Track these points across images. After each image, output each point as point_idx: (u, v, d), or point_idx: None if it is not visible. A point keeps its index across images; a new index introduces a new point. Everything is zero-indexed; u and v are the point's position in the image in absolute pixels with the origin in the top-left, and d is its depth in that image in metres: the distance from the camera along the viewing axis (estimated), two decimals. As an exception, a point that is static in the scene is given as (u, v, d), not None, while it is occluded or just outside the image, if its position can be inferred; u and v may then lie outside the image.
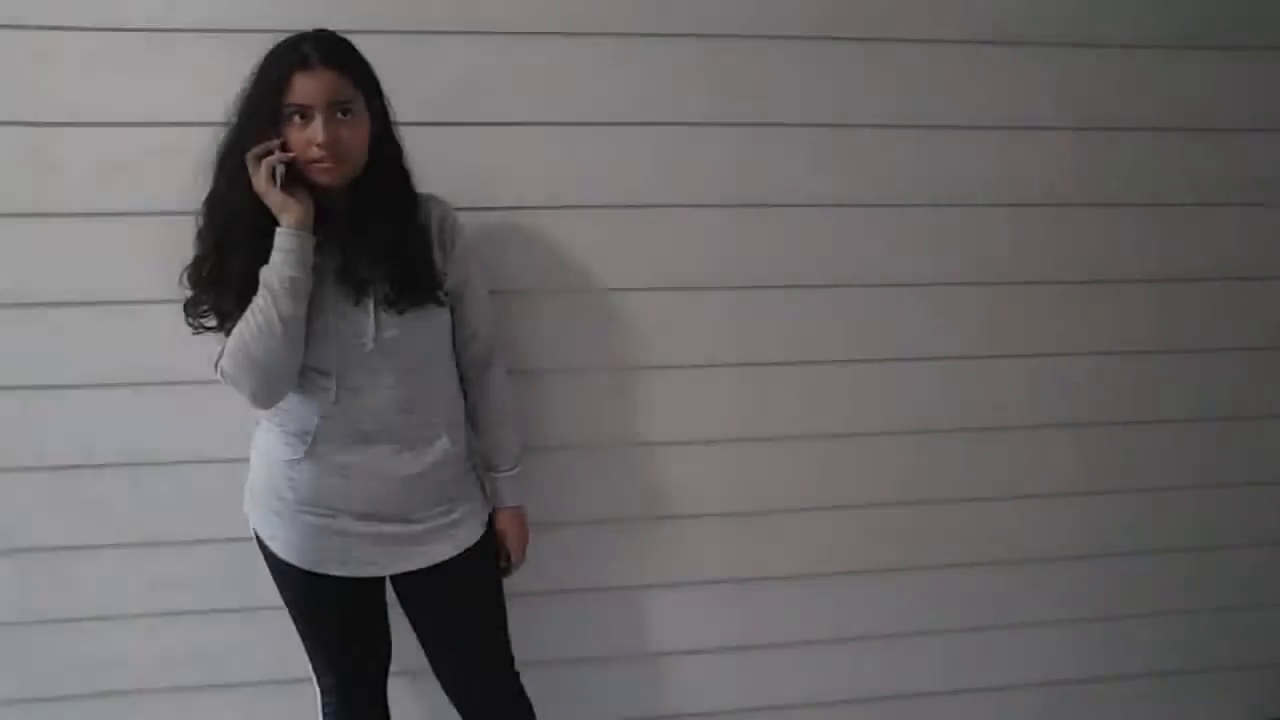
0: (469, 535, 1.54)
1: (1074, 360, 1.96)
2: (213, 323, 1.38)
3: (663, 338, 1.83)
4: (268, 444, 1.47)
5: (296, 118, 1.29)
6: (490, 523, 1.59)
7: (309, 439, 1.41)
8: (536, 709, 1.62)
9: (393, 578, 1.53)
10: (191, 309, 1.38)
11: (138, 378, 1.69)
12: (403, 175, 1.44)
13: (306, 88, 1.28)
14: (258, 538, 1.52)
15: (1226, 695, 2.18)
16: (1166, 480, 2.04)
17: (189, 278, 1.37)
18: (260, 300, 1.31)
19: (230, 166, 1.32)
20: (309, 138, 1.29)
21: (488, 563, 1.58)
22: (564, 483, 1.85)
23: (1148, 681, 2.14)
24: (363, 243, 1.37)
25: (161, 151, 1.59)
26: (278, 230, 1.31)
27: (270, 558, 1.51)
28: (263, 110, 1.29)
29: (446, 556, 1.51)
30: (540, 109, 1.72)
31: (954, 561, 2.01)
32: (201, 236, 1.37)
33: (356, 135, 1.33)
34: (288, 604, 1.54)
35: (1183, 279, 1.96)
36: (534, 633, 1.86)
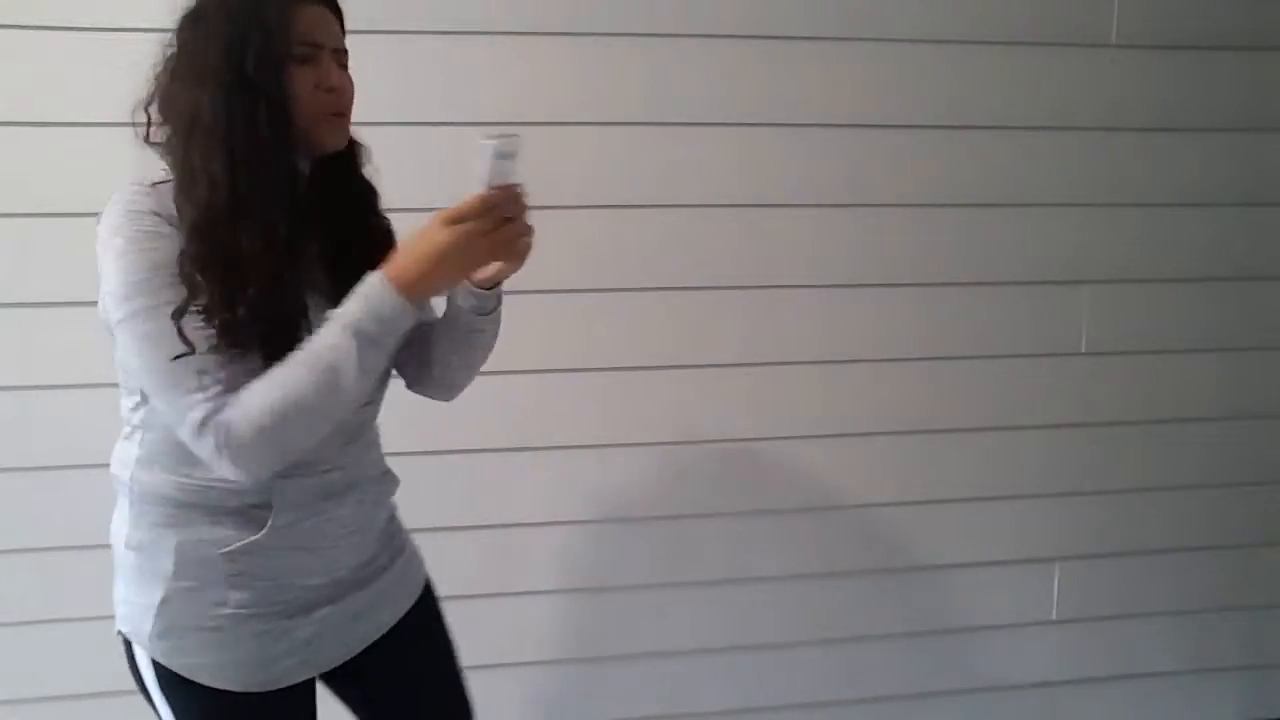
0: (419, 571, 1.28)
1: (1075, 360, 1.97)
2: (209, 331, 0.93)
3: (663, 338, 1.83)
4: (183, 540, 1.03)
5: (296, 64, 0.97)
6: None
7: (267, 511, 1.03)
8: (537, 709, 1.62)
9: (343, 664, 1.17)
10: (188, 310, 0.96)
11: (138, 378, 1.69)
12: (362, 155, 1.11)
13: (313, 19, 0.98)
14: (171, 677, 1.05)
15: (1225, 695, 2.18)
16: (1165, 480, 2.05)
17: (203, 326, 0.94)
18: (332, 348, 0.92)
19: (253, 155, 0.94)
20: (316, 81, 0.98)
21: (436, 599, 1.31)
22: (560, 483, 1.85)
23: (1146, 682, 2.14)
24: (347, 258, 1.04)
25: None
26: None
27: (196, 696, 1.05)
28: (267, 58, 0.93)
29: (413, 600, 1.24)
30: (541, 109, 1.72)
31: (952, 562, 2.01)
32: (208, 269, 0.94)
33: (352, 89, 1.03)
34: None
35: (1188, 279, 1.97)
36: (534, 633, 1.86)
